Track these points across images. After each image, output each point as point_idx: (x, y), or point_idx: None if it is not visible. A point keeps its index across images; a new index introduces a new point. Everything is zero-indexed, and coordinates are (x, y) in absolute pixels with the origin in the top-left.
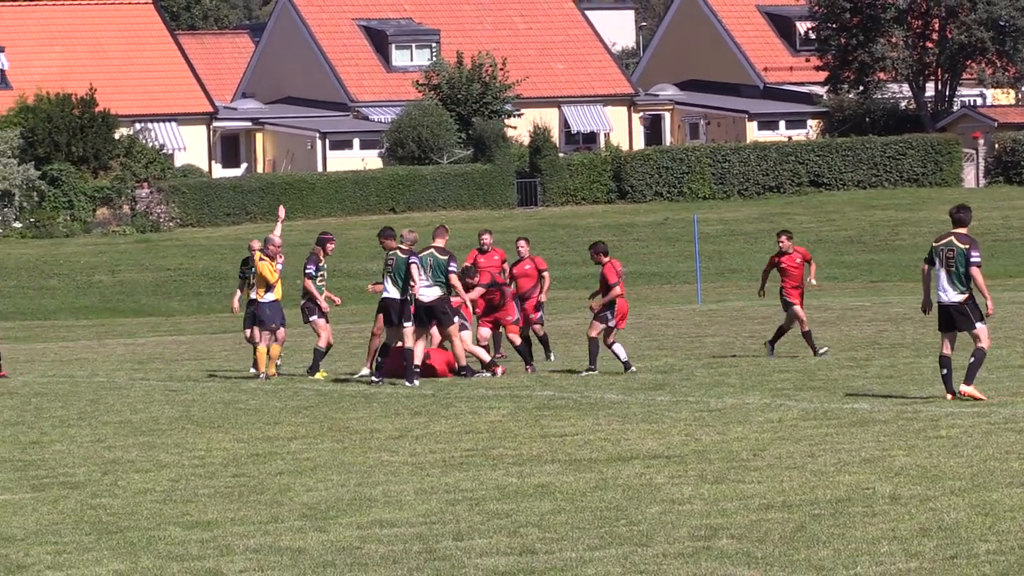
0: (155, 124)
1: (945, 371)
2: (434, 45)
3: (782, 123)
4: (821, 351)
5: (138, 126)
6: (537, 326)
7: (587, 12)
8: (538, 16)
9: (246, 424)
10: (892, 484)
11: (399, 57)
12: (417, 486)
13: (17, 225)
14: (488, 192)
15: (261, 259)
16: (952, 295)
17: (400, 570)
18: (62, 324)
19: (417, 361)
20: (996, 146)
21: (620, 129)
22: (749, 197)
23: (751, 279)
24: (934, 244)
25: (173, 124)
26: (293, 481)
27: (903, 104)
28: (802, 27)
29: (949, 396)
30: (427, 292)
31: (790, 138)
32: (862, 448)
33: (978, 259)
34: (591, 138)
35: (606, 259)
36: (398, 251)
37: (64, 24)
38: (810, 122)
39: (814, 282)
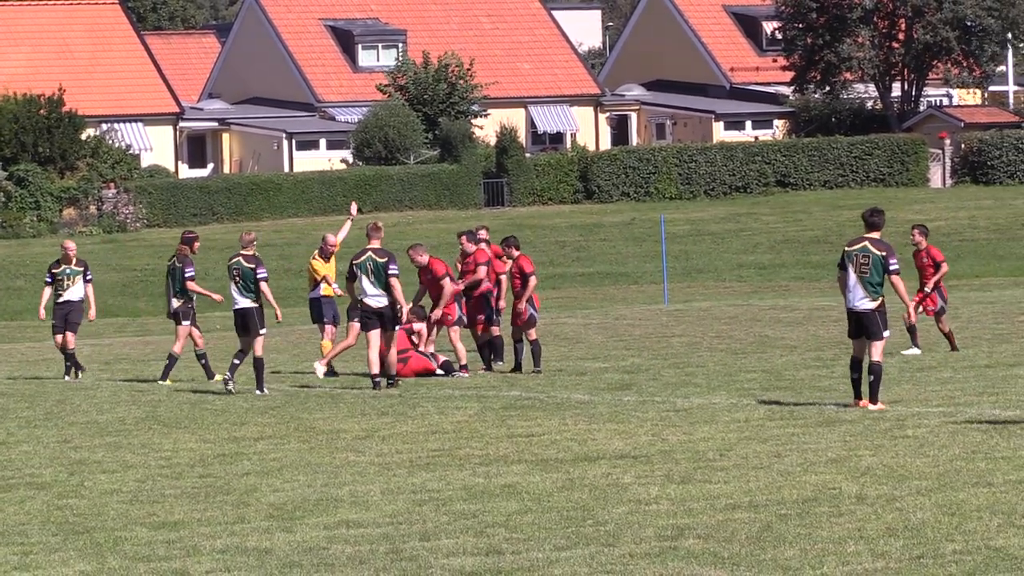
0: (122, 124)
1: (856, 375)
2: (401, 45)
3: (748, 123)
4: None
5: (105, 126)
6: (494, 327)
7: (553, 12)
8: (505, 16)
9: (212, 424)
10: (858, 484)
11: (365, 57)
12: (384, 486)
13: None
14: (455, 192)
15: (315, 257)
16: (864, 302)
17: (367, 570)
18: (29, 324)
19: (390, 361)
20: (963, 146)
21: (587, 129)
22: (716, 197)
23: (718, 279)
24: (847, 248)
25: (139, 124)
26: (259, 482)
27: (869, 104)
28: (768, 27)
29: (861, 403)
30: (375, 299)
31: (756, 138)
32: (828, 448)
33: (897, 267)
34: (558, 138)
35: (518, 253)
36: (240, 257)
37: (30, 24)
38: (776, 122)
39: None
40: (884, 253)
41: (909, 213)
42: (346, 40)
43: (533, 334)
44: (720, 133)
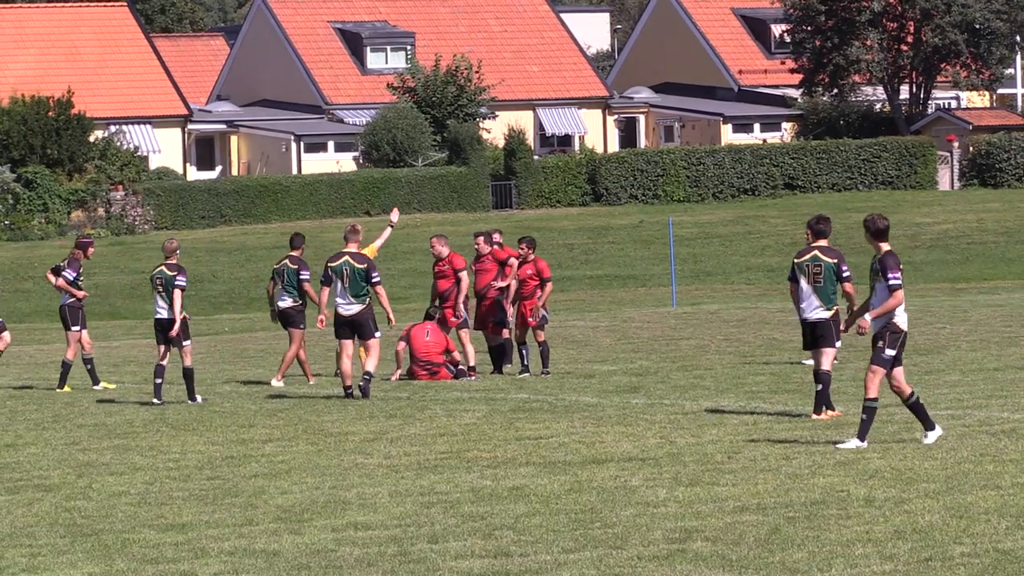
0: (130, 126)
1: (820, 387)
2: (409, 48)
3: (757, 126)
4: None
5: (113, 128)
6: (505, 330)
7: (562, 15)
8: (513, 19)
9: (220, 427)
10: (867, 486)
11: (374, 59)
12: (392, 489)
13: None
14: (463, 195)
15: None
16: (818, 311)
17: (375, 573)
18: (37, 327)
19: (371, 368)
20: (971, 149)
21: (595, 132)
22: (724, 200)
23: (726, 282)
24: (796, 260)
25: (148, 126)
26: (268, 484)
27: (878, 107)
28: (777, 30)
29: (828, 414)
30: (347, 306)
31: (765, 141)
32: (837, 451)
33: (848, 273)
34: (566, 141)
35: (534, 255)
36: (163, 267)
37: (38, 26)
38: (785, 125)
39: None
40: (836, 260)
41: (917, 216)
42: (355, 42)
43: (542, 336)
44: (728, 135)
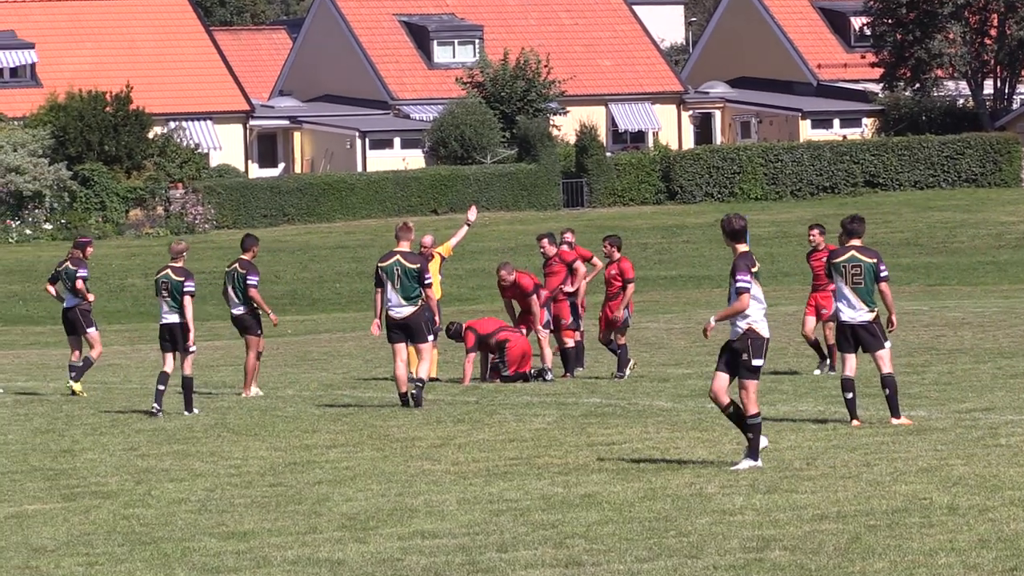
0: (190, 123)
1: (850, 395)
2: (477, 41)
3: (836, 121)
4: None
5: (172, 125)
6: (577, 333)
7: (635, 7)
8: (584, 11)
9: (283, 432)
10: (950, 494)
11: (441, 54)
12: (460, 496)
13: (47, 227)
14: (533, 193)
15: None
16: (860, 314)
17: None
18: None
19: (423, 375)
20: None
21: (669, 128)
22: (802, 198)
23: (804, 283)
24: (833, 261)
25: (208, 123)
26: (332, 491)
27: (961, 102)
28: (857, 22)
29: (855, 422)
30: (399, 309)
31: (844, 137)
32: (919, 457)
33: (887, 273)
34: (639, 137)
35: (620, 254)
36: (169, 270)
37: (95, 20)
38: (865, 120)
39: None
40: (874, 260)
41: (1002, 214)
42: (421, 36)
43: (622, 339)
44: (807, 132)
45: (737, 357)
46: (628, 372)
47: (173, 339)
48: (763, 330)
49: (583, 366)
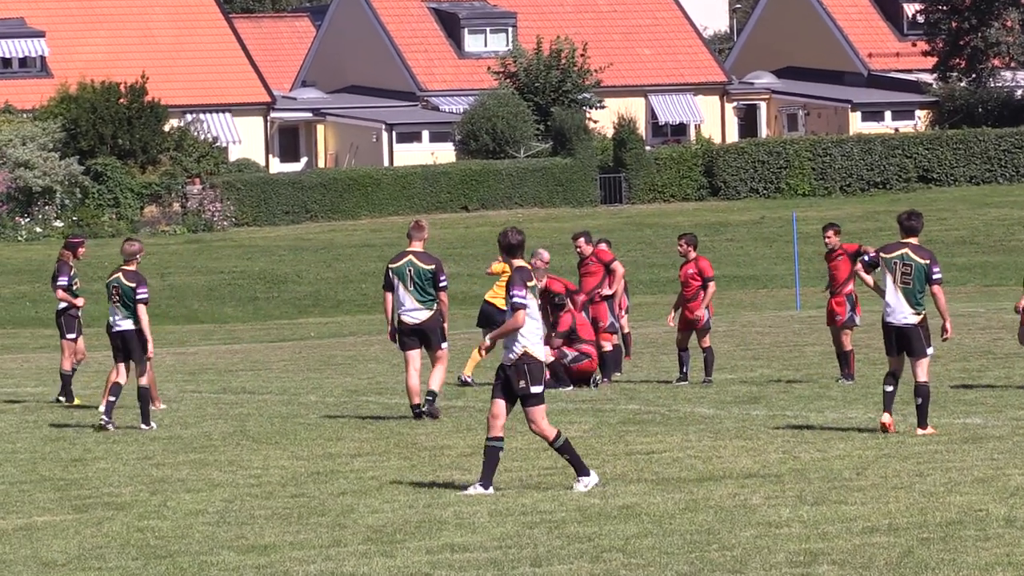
0: (208, 115)
1: (890, 388)
2: (510, 29)
3: (888, 113)
4: None
5: (189, 117)
6: (613, 336)
7: None
8: None
9: (306, 440)
10: (1007, 506)
11: (472, 42)
12: (491, 507)
13: (58, 224)
14: (568, 188)
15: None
16: (906, 315)
17: None
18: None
19: (436, 387)
20: None
21: (712, 120)
22: (852, 194)
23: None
24: (884, 255)
25: (227, 115)
26: (357, 502)
27: (1019, 93)
28: (910, 10)
29: (886, 416)
30: (412, 313)
31: (897, 130)
32: (974, 467)
33: (940, 276)
34: (680, 130)
35: (695, 253)
36: (120, 274)
37: (109, 6)
38: (918, 112)
39: None
40: (927, 261)
41: None
42: (451, 24)
43: (707, 341)
44: (857, 124)
45: (512, 385)
46: (713, 377)
47: (126, 348)
48: (539, 353)
49: (621, 371)
